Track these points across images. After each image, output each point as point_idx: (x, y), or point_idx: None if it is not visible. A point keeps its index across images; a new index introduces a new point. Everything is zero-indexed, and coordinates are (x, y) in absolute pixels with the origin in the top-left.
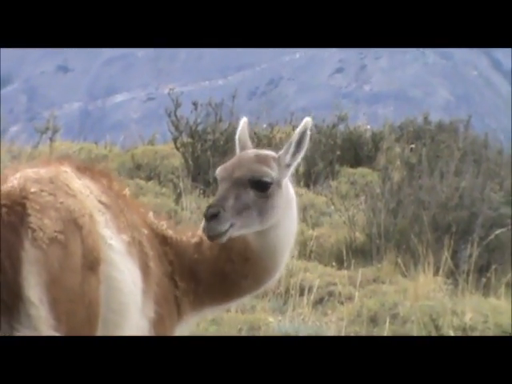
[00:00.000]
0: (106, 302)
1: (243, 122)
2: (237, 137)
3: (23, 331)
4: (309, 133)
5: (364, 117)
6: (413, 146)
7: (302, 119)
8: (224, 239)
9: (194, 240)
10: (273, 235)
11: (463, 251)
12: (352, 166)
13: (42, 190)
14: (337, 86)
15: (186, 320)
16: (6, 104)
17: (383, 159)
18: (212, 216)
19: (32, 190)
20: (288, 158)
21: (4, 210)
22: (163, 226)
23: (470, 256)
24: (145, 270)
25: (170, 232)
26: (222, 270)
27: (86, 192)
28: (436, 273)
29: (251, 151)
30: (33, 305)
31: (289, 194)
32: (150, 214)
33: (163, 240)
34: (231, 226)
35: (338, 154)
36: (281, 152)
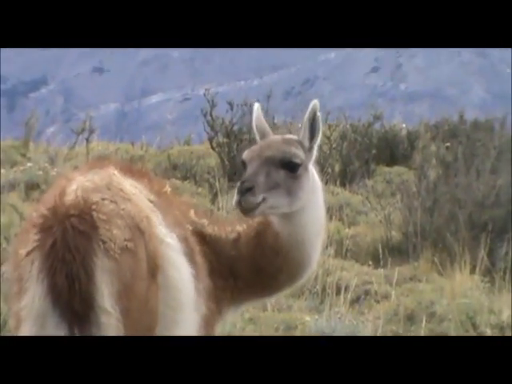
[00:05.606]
0: (165, 300)
1: (256, 108)
2: (253, 125)
3: None
4: (319, 114)
5: (400, 115)
6: (448, 144)
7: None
8: (257, 213)
9: (232, 236)
10: (299, 222)
11: (500, 249)
12: (388, 165)
13: (103, 199)
14: (372, 85)
15: (224, 316)
16: (42, 105)
17: (419, 158)
18: (247, 189)
19: (94, 199)
20: (306, 142)
21: (75, 220)
22: (204, 223)
23: (507, 254)
24: (194, 266)
25: (209, 230)
26: (258, 265)
27: (136, 192)
28: (473, 271)
29: (277, 136)
30: (105, 313)
31: (314, 178)
32: (192, 212)
33: (202, 238)
34: (264, 199)
35: (373, 152)
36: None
